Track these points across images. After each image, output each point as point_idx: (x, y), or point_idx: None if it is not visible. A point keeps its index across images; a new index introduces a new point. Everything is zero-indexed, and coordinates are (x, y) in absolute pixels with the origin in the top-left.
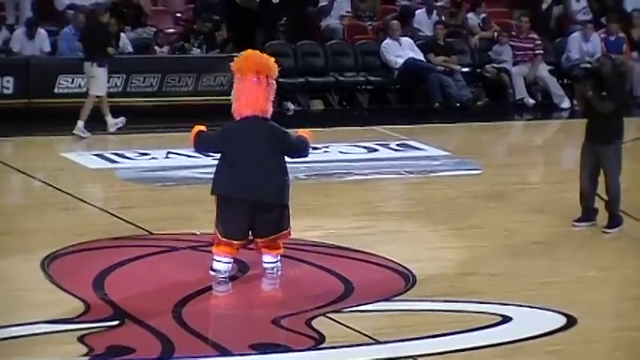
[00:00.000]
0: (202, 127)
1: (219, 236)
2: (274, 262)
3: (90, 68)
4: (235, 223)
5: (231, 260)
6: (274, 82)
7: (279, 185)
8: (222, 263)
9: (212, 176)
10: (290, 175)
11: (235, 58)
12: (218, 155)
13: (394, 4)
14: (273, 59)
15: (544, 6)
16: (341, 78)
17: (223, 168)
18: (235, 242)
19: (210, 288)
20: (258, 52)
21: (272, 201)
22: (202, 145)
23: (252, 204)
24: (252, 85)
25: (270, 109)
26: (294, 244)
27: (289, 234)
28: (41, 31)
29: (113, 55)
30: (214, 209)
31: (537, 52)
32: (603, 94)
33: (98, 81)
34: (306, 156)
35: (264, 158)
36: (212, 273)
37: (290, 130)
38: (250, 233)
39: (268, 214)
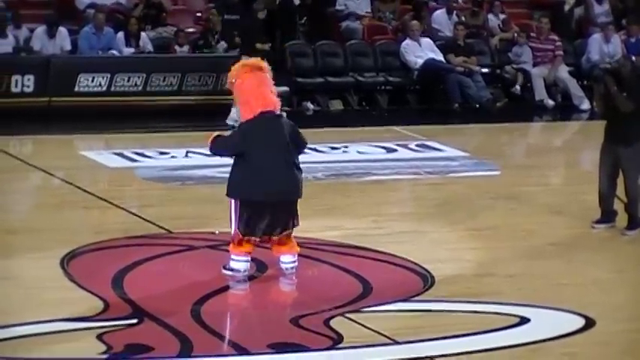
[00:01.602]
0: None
1: (240, 234)
2: (294, 262)
3: None
4: (258, 221)
5: (249, 259)
6: (269, 74)
7: (300, 181)
8: (241, 262)
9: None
10: (309, 175)
11: (234, 67)
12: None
13: (412, 4)
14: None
15: (566, 7)
16: (360, 78)
17: (244, 170)
18: (255, 239)
19: (228, 287)
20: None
21: (297, 198)
22: (220, 147)
23: (276, 203)
24: (252, 83)
25: (278, 102)
26: (313, 243)
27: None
28: (62, 30)
29: None
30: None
31: (557, 53)
32: (623, 94)
33: None
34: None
35: (284, 155)
36: (228, 273)
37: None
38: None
39: (289, 210)
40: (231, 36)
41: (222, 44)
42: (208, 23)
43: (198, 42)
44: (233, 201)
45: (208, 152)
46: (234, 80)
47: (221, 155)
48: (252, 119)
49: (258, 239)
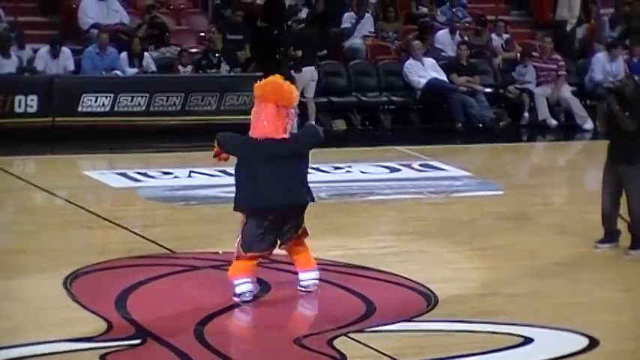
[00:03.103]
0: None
1: (242, 252)
2: (315, 278)
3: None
4: (265, 235)
5: (252, 279)
6: (294, 111)
7: (303, 193)
8: (245, 284)
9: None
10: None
11: (258, 83)
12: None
13: (415, 24)
14: (294, 88)
15: (568, 27)
16: (363, 98)
17: (246, 182)
18: (258, 254)
19: (231, 307)
20: (280, 79)
21: (307, 201)
22: (223, 140)
23: (280, 209)
24: (271, 114)
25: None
26: (317, 263)
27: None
28: (65, 50)
29: None
30: (237, 228)
31: (560, 73)
32: (626, 114)
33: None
34: (321, 140)
35: (287, 168)
36: (237, 299)
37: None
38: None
39: (297, 216)
40: (233, 56)
41: (225, 66)
42: (210, 43)
43: (201, 62)
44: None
45: (212, 172)
46: (257, 100)
47: (223, 147)
48: (255, 141)
49: (260, 254)
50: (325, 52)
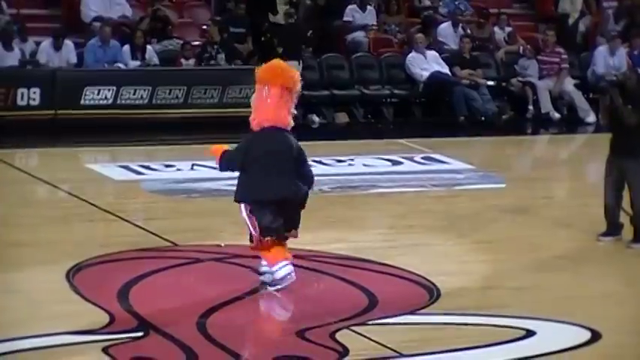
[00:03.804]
0: (225, 147)
1: (263, 239)
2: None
3: None
4: (270, 219)
5: (289, 261)
6: (297, 94)
7: (293, 189)
8: (285, 267)
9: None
10: (315, 187)
11: (259, 68)
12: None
13: (418, 17)
14: (297, 73)
15: (570, 20)
16: (366, 91)
17: (242, 177)
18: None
19: (234, 300)
20: (282, 62)
21: (296, 196)
22: (226, 164)
23: (274, 202)
24: (274, 97)
25: (291, 122)
26: (319, 256)
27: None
28: (68, 43)
29: None
30: (242, 221)
31: (563, 66)
32: (628, 107)
33: None
34: (309, 188)
35: (281, 164)
36: (278, 287)
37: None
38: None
39: (288, 212)
40: (233, 48)
41: (221, 57)
42: (209, 36)
43: (202, 55)
44: (242, 208)
45: (214, 164)
46: (259, 85)
47: (231, 170)
48: (257, 132)
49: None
50: (310, 48)
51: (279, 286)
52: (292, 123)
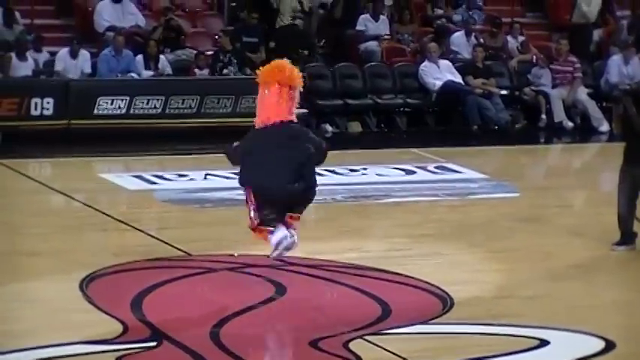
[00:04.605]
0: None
1: (255, 222)
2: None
3: None
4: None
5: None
6: (298, 91)
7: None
8: (279, 232)
9: None
10: (328, 197)
11: (260, 69)
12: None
13: (431, 26)
14: (297, 70)
15: (585, 30)
16: (379, 100)
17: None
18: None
19: (247, 309)
20: (283, 61)
21: (295, 190)
22: (230, 161)
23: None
24: (273, 96)
25: (294, 119)
26: (332, 265)
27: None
28: (84, 52)
29: None
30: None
31: (576, 75)
32: None
33: None
34: (322, 159)
35: (279, 157)
36: (280, 250)
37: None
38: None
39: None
40: (243, 57)
41: (231, 68)
42: (221, 46)
43: (215, 64)
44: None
45: (228, 174)
46: (261, 85)
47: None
48: (261, 128)
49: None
50: (307, 52)
51: (277, 252)
52: (295, 120)
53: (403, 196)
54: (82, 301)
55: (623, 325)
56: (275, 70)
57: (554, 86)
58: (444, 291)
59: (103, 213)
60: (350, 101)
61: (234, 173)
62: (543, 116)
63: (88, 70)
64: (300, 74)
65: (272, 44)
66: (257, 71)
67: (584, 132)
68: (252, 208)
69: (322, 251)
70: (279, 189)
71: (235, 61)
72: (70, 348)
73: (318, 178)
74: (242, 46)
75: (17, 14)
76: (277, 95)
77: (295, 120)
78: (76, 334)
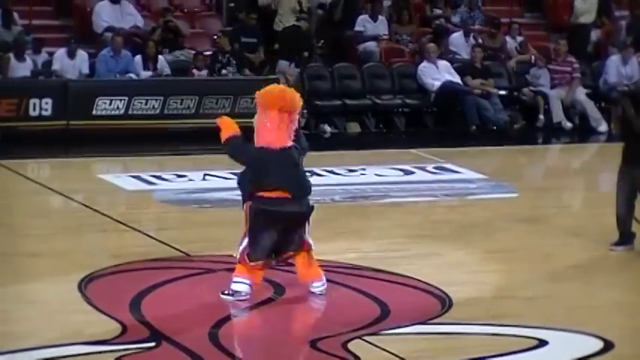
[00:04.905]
0: (236, 128)
1: (247, 259)
2: (322, 286)
3: None
4: (266, 238)
5: (251, 282)
6: (297, 117)
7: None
8: (243, 284)
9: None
10: (326, 197)
11: (259, 92)
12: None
13: (430, 27)
14: (297, 94)
15: (584, 30)
16: (378, 101)
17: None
18: (261, 263)
19: (246, 310)
20: (282, 87)
21: (304, 211)
22: (237, 152)
23: (285, 217)
24: (273, 121)
25: (290, 144)
26: (331, 266)
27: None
28: (81, 52)
29: None
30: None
31: (575, 75)
32: None
33: None
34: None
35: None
36: (228, 298)
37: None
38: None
39: (294, 225)
40: (242, 58)
41: (229, 69)
42: (220, 46)
43: (213, 65)
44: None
45: (226, 175)
46: (259, 108)
47: (235, 159)
48: (261, 150)
49: (263, 263)
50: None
51: (226, 297)
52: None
53: (402, 197)
54: (81, 301)
55: (622, 325)
56: (276, 96)
57: (552, 86)
58: (442, 291)
59: (102, 213)
60: (349, 102)
61: (234, 174)
62: (542, 116)
63: (86, 70)
64: (300, 98)
65: (276, 46)
66: (257, 93)
67: (583, 132)
68: (245, 240)
69: (321, 252)
70: (288, 206)
71: (234, 61)
72: (70, 348)
73: (317, 177)
74: (240, 46)
75: (15, 15)
76: (278, 121)
77: (292, 144)
78: (75, 335)
